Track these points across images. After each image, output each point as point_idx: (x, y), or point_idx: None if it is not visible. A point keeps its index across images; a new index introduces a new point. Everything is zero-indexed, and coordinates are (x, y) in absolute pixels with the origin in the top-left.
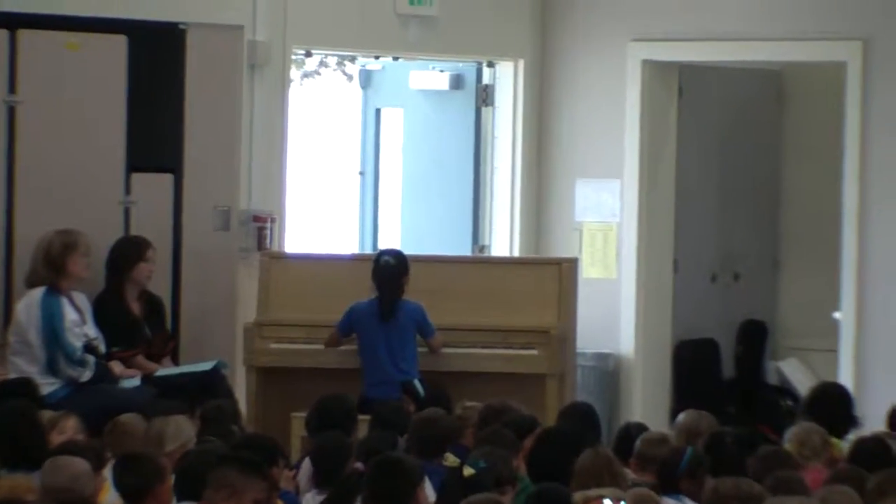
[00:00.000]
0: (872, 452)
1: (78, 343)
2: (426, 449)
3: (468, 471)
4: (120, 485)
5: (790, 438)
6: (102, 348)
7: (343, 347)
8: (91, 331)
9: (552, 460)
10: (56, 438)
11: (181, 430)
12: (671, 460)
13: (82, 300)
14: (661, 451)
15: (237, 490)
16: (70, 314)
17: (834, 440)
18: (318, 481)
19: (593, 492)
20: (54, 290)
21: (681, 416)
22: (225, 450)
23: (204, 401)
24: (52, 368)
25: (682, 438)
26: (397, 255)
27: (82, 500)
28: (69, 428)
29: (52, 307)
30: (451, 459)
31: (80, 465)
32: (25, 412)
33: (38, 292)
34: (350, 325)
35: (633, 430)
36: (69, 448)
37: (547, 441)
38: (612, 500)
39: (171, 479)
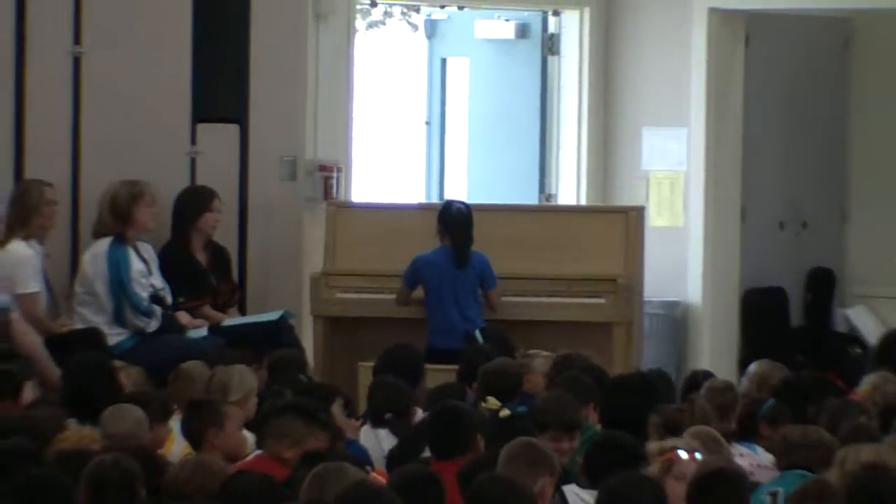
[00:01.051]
0: None
1: (144, 293)
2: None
3: (504, 412)
4: (185, 431)
5: (865, 385)
6: (169, 299)
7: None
8: (157, 281)
9: (626, 408)
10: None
11: (244, 380)
12: (749, 408)
13: (148, 251)
14: (726, 399)
15: (297, 440)
16: (136, 264)
17: None
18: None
19: (668, 442)
20: (121, 241)
21: (752, 366)
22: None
23: (271, 351)
24: (118, 319)
25: (755, 387)
26: (466, 204)
27: (140, 448)
28: (130, 379)
29: (118, 257)
30: (491, 402)
31: (138, 413)
32: (101, 365)
33: (104, 243)
34: (416, 277)
35: (701, 378)
36: (134, 398)
37: (621, 388)
38: (686, 451)
39: (238, 425)
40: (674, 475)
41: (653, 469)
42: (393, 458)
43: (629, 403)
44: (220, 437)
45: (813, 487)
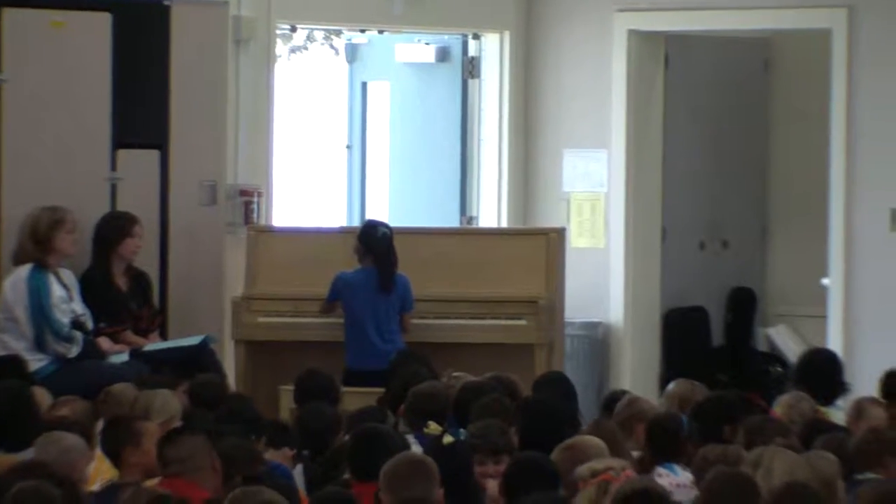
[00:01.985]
0: None
1: (65, 319)
2: (421, 422)
3: (447, 439)
4: (104, 449)
5: (779, 406)
6: (90, 324)
7: (330, 320)
8: (78, 307)
9: (537, 432)
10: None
11: (168, 404)
12: (669, 429)
13: (69, 276)
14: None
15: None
16: (57, 290)
17: (822, 408)
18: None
19: (600, 463)
20: (41, 267)
21: (671, 385)
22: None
23: (193, 375)
24: (39, 344)
25: (675, 407)
26: (389, 226)
27: (64, 476)
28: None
29: (39, 283)
30: (432, 427)
31: (72, 439)
32: (19, 393)
33: (25, 269)
34: (335, 294)
35: (619, 397)
36: (60, 424)
37: (529, 413)
38: (617, 471)
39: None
40: (611, 495)
41: (588, 491)
42: (313, 482)
43: (541, 427)
44: (137, 454)
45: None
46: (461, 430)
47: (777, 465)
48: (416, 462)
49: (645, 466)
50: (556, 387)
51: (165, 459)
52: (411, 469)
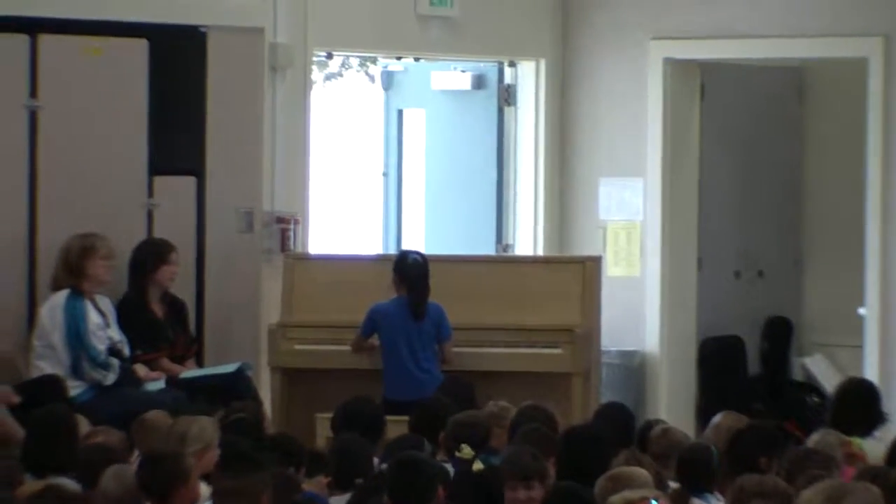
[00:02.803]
0: None
1: (102, 346)
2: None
3: (477, 465)
4: (143, 484)
5: (809, 443)
6: (127, 351)
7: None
8: (115, 334)
9: (580, 460)
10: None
11: (204, 432)
12: (700, 460)
13: (106, 304)
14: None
15: (247, 492)
16: (94, 317)
17: (854, 439)
18: (338, 483)
19: (636, 493)
20: (77, 293)
21: (716, 417)
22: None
23: (229, 402)
24: (76, 371)
25: (722, 438)
26: (422, 254)
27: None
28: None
29: (75, 310)
30: (465, 451)
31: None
32: (62, 420)
33: (61, 295)
34: (372, 327)
35: (652, 427)
36: (97, 451)
37: (575, 440)
38: (655, 499)
39: (195, 479)
40: None
41: None
42: None
43: (583, 456)
44: (183, 492)
45: None
46: (491, 457)
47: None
48: None
49: (679, 498)
50: (615, 417)
51: (222, 490)
52: None
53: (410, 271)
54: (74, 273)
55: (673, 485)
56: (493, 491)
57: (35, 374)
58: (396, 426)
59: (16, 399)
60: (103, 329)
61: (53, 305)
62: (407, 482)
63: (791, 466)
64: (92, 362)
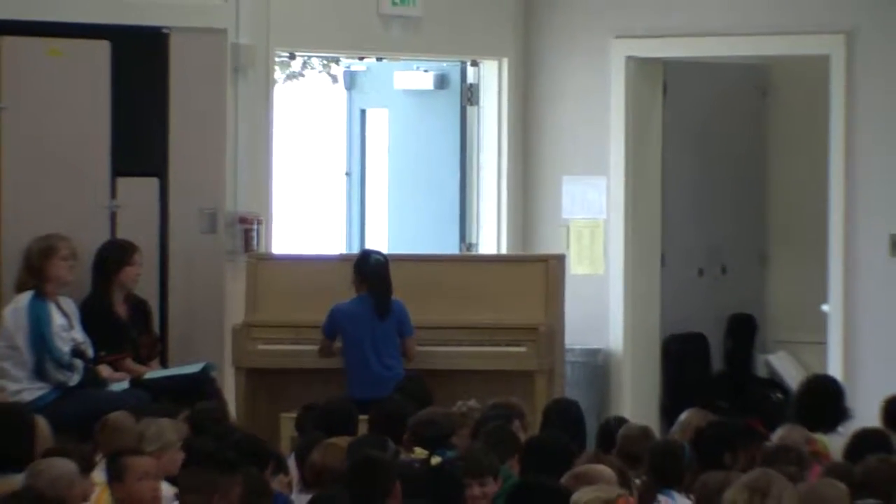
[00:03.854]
0: (871, 445)
1: (66, 347)
2: (426, 447)
3: (435, 459)
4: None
5: (773, 440)
6: (90, 353)
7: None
8: (79, 335)
9: (544, 469)
10: None
11: (162, 432)
12: (672, 455)
13: (69, 305)
14: (643, 446)
15: (214, 490)
16: (57, 318)
17: (818, 436)
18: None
19: (604, 491)
20: (41, 295)
21: (683, 414)
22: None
23: (193, 403)
24: (39, 373)
25: (689, 436)
26: (383, 254)
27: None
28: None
29: (38, 311)
30: (418, 451)
31: (65, 466)
32: (20, 416)
33: (24, 297)
34: (333, 328)
35: (614, 425)
36: (56, 451)
37: (536, 451)
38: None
39: (140, 476)
40: None
41: None
42: None
43: (545, 466)
44: (122, 489)
45: None
46: (448, 452)
47: (787, 498)
48: None
49: (647, 492)
50: (566, 415)
51: (182, 488)
52: None
53: (373, 270)
54: (36, 275)
55: (639, 481)
56: (450, 484)
57: None
58: (362, 425)
59: None
60: (67, 330)
61: (17, 307)
62: (365, 481)
63: (763, 464)
64: (55, 363)
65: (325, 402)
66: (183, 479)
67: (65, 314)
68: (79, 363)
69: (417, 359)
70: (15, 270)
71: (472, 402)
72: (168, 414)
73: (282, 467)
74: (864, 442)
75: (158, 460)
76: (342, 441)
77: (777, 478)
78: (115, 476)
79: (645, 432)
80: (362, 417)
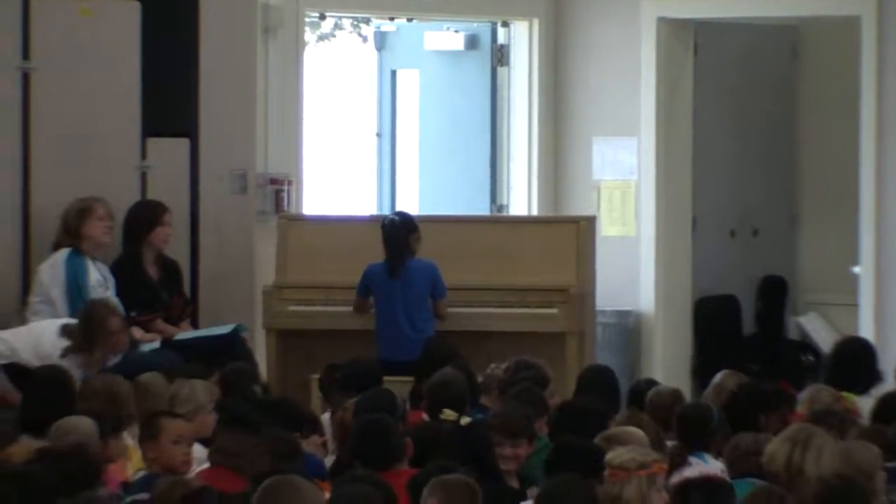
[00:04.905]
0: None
1: None
2: (439, 411)
3: (464, 420)
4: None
5: (802, 400)
6: (123, 314)
7: None
8: (112, 298)
9: (576, 433)
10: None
11: (194, 394)
12: (700, 418)
13: (104, 270)
14: (673, 409)
15: (244, 452)
16: (94, 274)
17: (847, 395)
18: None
19: (641, 455)
20: (78, 252)
21: (717, 376)
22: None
23: (224, 364)
24: None
25: (723, 398)
26: (402, 214)
27: (86, 461)
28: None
29: (76, 266)
30: (447, 413)
31: (86, 425)
32: (59, 380)
33: (62, 253)
34: (366, 286)
35: (644, 387)
36: (87, 412)
37: (568, 415)
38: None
39: (175, 438)
40: (657, 488)
41: (633, 486)
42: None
43: (579, 430)
44: (155, 449)
45: (762, 494)
46: (479, 414)
47: (827, 451)
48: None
49: (677, 456)
50: (600, 383)
51: (212, 448)
52: None
53: (385, 234)
54: (73, 235)
55: (671, 444)
56: (480, 444)
57: None
58: (392, 387)
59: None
60: (104, 287)
61: (54, 262)
62: (373, 445)
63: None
64: None
65: (348, 361)
66: (214, 441)
67: (101, 274)
68: None
69: (448, 320)
70: (46, 231)
71: (500, 364)
72: (200, 375)
73: (315, 429)
74: (891, 403)
75: (191, 422)
76: None
77: (818, 432)
78: (150, 436)
79: (675, 395)
80: (390, 378)
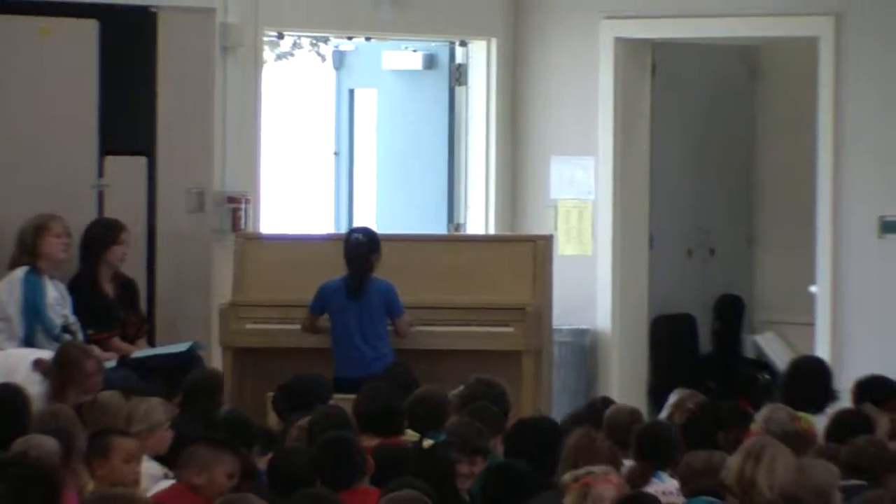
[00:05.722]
0: (851, 425)
1: (58, 321)
2: (423, 425)
3: (427, 443)
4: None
5: (758, 418)
6: (80, 335)
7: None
8: (70, 316)
9: (529, 451)
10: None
11: (151, 412)
12: (662, 437)
13: (61, 289)
14: (631, 429)
15: (205, 465)
16: (51, 292)
17: (803, 415)
18: None
19: (583, 470)
20: (36, 271)
21: (673, 395)
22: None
23: (180, 382)
24: (30, 345)
25: (676, 416)
26: (367, 232)
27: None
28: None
29: (34, 283)
30: (410, 435)
31: (51, 444)
32: (14, 395)
33: (19, 270)
34: (321, 304)
35: (600, 406)
36: (46, 429)
37: (523, 433)
38: (600, 475)
39: (127, 457)
40: (591, 500)
41: (570, 498)
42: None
43: (531, 448)
44: (105, 467)
45: None
46: (439, 435)
47: (780, 462)
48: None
49: (640, 476)
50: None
51: (177, 464)
52: None
53: (350, 250)
54: (30, 252)
55: (627, 463)
56: (443, 466)
57: None
58: (347, 404)
59: None
60: (60, 305)
61: (12, 280)
62: (336, 462)
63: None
64: (47, 335)
65: (293, 380)
66: (181, 456)
67: (58, 291)
68: (68, 338)
69: (404, 338)
70: (2, 248)
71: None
72: (156, 393)
73: (270, 446)
74: (845, 422)
75: (147, 440)
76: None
77: (770, 444)
78: (100, 453)
79: (634, 414)
80: (346, 396)
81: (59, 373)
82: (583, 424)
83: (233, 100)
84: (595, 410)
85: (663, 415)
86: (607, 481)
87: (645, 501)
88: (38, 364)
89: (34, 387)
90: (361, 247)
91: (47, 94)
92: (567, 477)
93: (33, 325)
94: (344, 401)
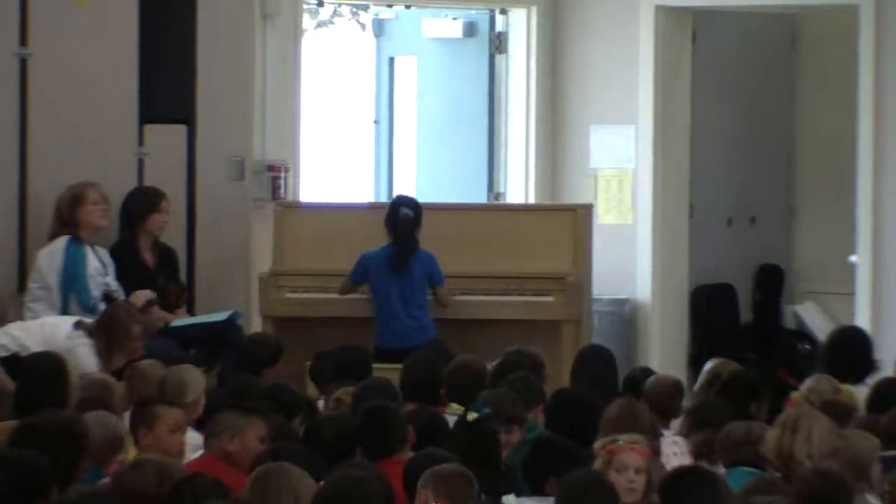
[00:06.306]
0: (892, 395)
1: (96, 292)
2: (460, 395)
3: (471, 415)
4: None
5: (803, 389)
6: (122, 299)
7: (358, 296)
8: (112, 283)
9: (569, 423)
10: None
11: (199, 382)
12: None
13: (104, 255)
14: (674, 397)
15: (236, 431)
16: (93, 262)
17: (845, 387)
18: None
19: (609, 438)
20: (77, 240)
21: (708, 364)
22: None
23: (220, 351)
24: (65, 313)
25: (714, 386)
26: (415, 206)
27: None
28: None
29: (75, 254)
30: (454, 407)
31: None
32: (52, 368)
33: (62, 240)
34: (362, 274)
35: (639, 376)
36: (83, 404)
37: (563, 404)
38: (627, 443)
39: (173, 427)
40: (614, 467)
41: (596, 464)
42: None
43: (572, 420)
44: (150, 437)
45: (756, 484)
46: (485, 408)
47: (816, 432)
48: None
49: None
50: (598, 365)
51: (208, 433)
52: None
53: (399, 224)
54: (68, 223)
55: (667, 433)
56: (487, 439)
57: (29, 316)
58: (391, 374)
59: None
60: (102, 275)
61: (53, 250)
62: (377, 432)
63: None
64: (81, 306)
65: (337, 349)
66: (211, 424)
67: (100, 260)
68: (103, 307)
69: (451, 306)
70: (43, 218)
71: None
72: (195, 362)
73: (311, 415)
74: (886, 392)
75: (193, 409)
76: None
77: (806, 413)
78: (145, 423)
79: (676, 385)
80: (387, 366)
81: (105, 334)
82: (624, 394)
83: (272, 68)
84: (635, 381)
85: (699, 383)
86: (632, 450)
87: (701, 475)
88: (80, 324)
89: (82, 348)
90: (410, 223)
91: (87, 63)
92: (597, 444)
93: (68, 297)
94: (385, 370)
